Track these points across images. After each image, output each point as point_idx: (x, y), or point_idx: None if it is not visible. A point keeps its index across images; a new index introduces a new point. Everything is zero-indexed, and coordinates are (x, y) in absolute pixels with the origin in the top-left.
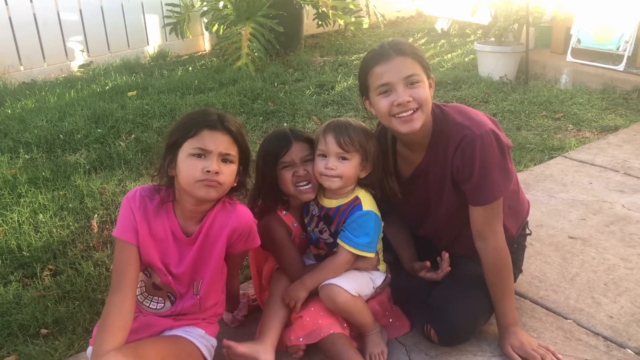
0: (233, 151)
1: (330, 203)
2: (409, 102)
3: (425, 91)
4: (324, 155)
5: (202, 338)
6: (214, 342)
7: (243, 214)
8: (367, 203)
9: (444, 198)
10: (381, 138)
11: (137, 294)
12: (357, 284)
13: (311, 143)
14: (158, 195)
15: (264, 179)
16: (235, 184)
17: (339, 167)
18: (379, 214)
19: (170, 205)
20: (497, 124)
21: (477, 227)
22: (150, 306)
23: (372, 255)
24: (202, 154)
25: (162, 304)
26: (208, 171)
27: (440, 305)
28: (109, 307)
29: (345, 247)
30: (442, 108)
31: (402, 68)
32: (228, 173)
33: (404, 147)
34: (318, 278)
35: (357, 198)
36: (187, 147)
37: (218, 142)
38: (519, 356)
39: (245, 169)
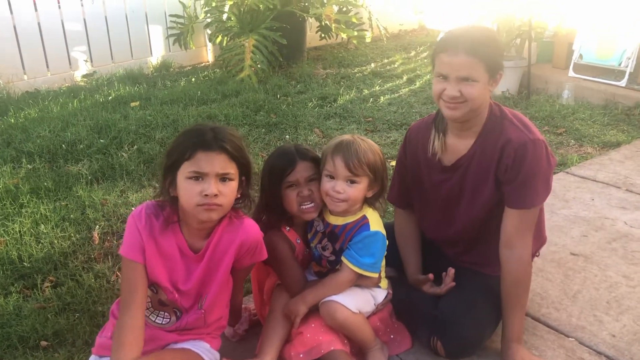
0: (231, 169)
1: (336, 220)
2: (456, 97)
3: (476, 90)
4: (332, 177)
5: (208, 352)
6: (218, 356)
7: (251, 228)
8: (375, 223)
9: (479, 194)
10: (436, 120)
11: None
12: (358, 300)
13: (316, 162)
14: (162, 213)
15: (268, 197)
16: (238, 195)
17: (347, 191)
18: (384, 233)
19: (176, 223)
20: None
21: (507, 234)
22: (156, 321)
23: (375, 275)
24: (199, 176)
25: (168, 319)
26: (206, 195)
27: (448, 317)
28: (122, 325)
29: (350, 265)
30: (502, 108)
31: (462, 67)
32: (228, 192)
33: (453, 134)
34: (319, 294)
35: (364, 217)
36: (184, 170)
37: (214, 163)
38: None
39: (248, 179)
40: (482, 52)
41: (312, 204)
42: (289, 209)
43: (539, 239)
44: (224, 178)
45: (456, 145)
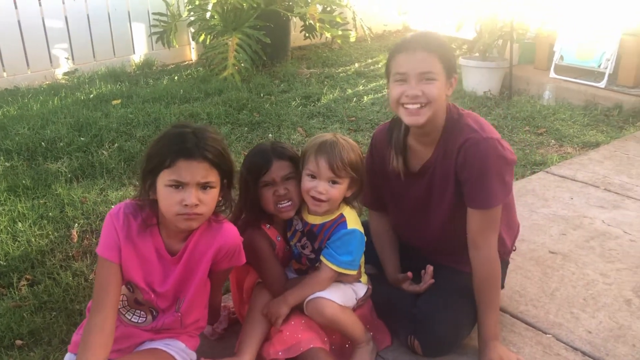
0: (213, 177)
1: (314, 219)
2: (418, 96)
3: (437, 89)
4: (314, 177)
5: (182, 352)
6: (194, 356)
7: (229, 232)
8: (352, 221)
9: (446, 197)
10: (395, 128)
11: (119, 307)
12: (341, 295)
13: (293, 161)
14: (141, 214)
15: (246, 195)
16: (220, 199)
17: (329, 191)
18: (362, 230)
19: (155, 225)
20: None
21: (472, 234)
22: (132, 319)
23: (354, 272)
24: (179, 185)
25: (144, 318)
26: (186, 205)
27: (425, 315)
28: (91, 326)
29: (329, 264)
30: (460, 111)
31: (421, 63)
32: (209, 200)
33: (415, 140)
34: (300, 294)
35: (342, 216)
36: (164, 178)
37: (195, 172)
38: None
39: (230, 183)
40: (438, 49)
41: (289, 203)
42: (266, 207)
43: (511, 230)
44: (205, 186)
45: (420, 152)
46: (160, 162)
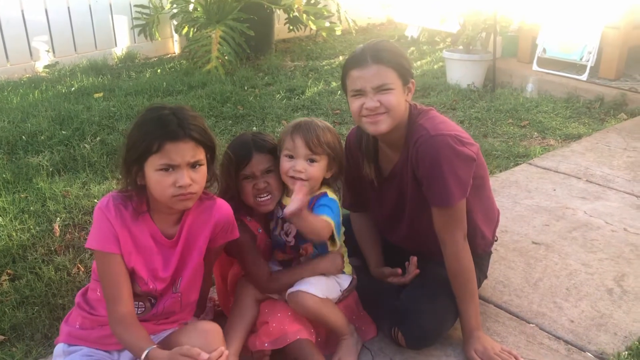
0: (200, 154)
1: None
2: (377, 107)
3: (395, 98)
4: (291, 157)
5: None
6: None
7: (223, 207)
8: (332, 194)
9: (414, 197)
10: (363, 134)
11: None
12: (323, 287)
13: (274, 153)
14: (130, 203)
15: (227, 187)
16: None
17: (307, 169)
18: (340, 209)
19: (146, 212)
20: (466, 136)
21: (437, 232)
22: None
23: (337, 245)
24: (169, 167)
25: (143, 308)
26: (180, 186)
27: (408, 307)
28: (121, 318)
29: (324, 217)
30: (420, 111)
31: (374, 77)
32: (200, 178)
33: (384, 144)
34: (300, 274)
35: (324, 193)
36: (153, 163)
37: (184, 152)
38: None
39: (213, 157)
40: (389, 59)
41: (269, 197)
42: (246, 200)
43: (490, 221)
44: (194, 165)
45: (390, 155)
46: (147, 148)
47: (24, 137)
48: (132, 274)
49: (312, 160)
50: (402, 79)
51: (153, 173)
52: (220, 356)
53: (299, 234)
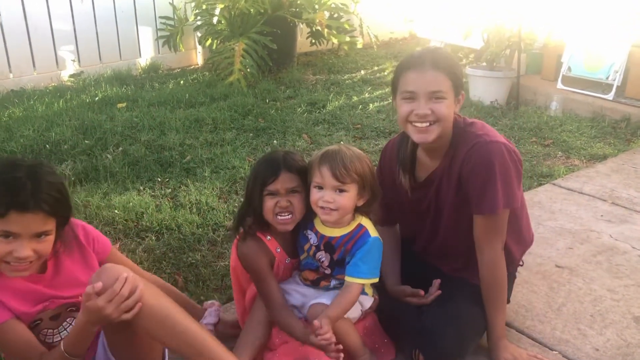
0: (50, 225)
1: (332, 232)
2: (427, 115)
3: (446, 108)
4: (320, 187)
5: None
6: None
7: (77, 223)
8: (373, 229)
9: (451, 206)
10: (403, 141)
11: (48, 341)
12: None
13: (302, 174)
14: None
15: (250, 202)
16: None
17: (336, 200)
18: (380, 238)
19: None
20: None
21: (476, 239)
22: (67, 329)
23: (376, 280)
24: (10, 235)
25: (74, 320)
26: (17, 257)
27: (430, 329)
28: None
29: (355, 280)
30: (467, 121)
31: (430, 82)
32: (44, 248)
33: (423, 153)
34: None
35: (361, 226)
36: None
37: (30, 224)
38: None
39: (66, 222)
40: (447, 67)
41: (289, 216)
42: (266, 216)
43: (521, 244)
44: (40, 234)
45: (428, 163)
46: None
47: (47, 145)
48: (33, 313)
49: (341, 190)
50: (455, 89)
51: None
52: (124, 282)
53: (337, 261)
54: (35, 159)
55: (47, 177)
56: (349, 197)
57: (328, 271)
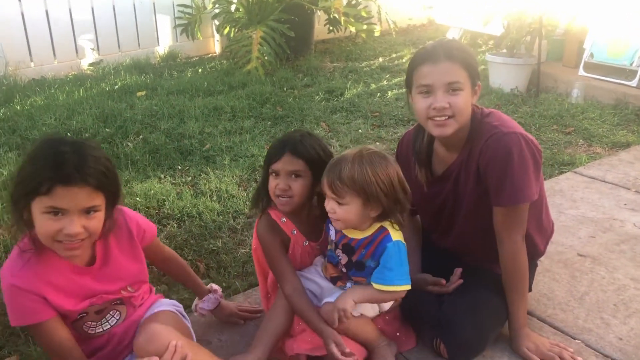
0: (98, 199)
1: (351, 233)
2: (445, 108)
3: (464, 100)
4: (326, 195)
5: (174, 305)
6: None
7: (129, 212)
8: (395, 232)
9: (470, 198)
10: (418, 135)
11: (90, 332)
12: (360, 305)
13: (309, 161)
14: (26, 255)
15: (263, 179)
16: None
17: (337, 211)
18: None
19: (48, 250)
20: (533, 139)
21: (496, 230)
22: (110, 322)
23: (408, 287)
24: (59, 212)
25: (118, 314)
26: (67, 234)
27: (451, 318)
28: None
29: (382, 287)
30: (484, 112)
31: (446, 73)
32: (94, 225)
33: (440, 145)
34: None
35: (382, 229)
36: (40, 204)
37: (77, 198)
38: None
39: (115, 203)
40: (462, 58)
41: (287, 199)
42: (270, 195)
43: (543, 233)
44: (89, 210)
45: (445, 156)
46: (35, 188)
47: (69, 134)
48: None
49: (339, 203)
50: (472, 80)
51: (39, 215)
52: (173, 352)
53: (355, 263)
54: (81, 139)
55: (92, 152)
56: (348, 211)
57: (345, 270)
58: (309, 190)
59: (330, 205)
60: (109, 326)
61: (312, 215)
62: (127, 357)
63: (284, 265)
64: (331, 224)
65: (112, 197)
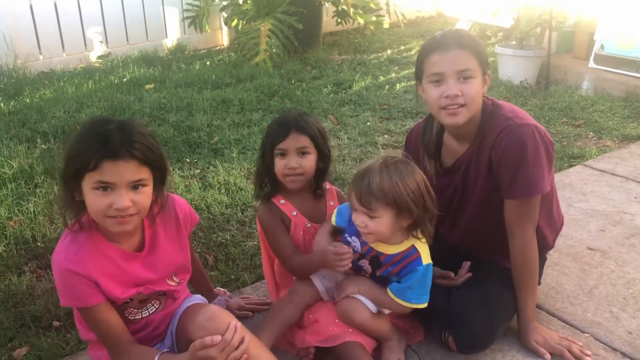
0: (145, 174)
1: (382, 247)
2: (457, 96)
3: (475, 87)
4: (355, 209)
5: (203, 300)
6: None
7: (178, 200)
8: (426, 255)
9: (480, 190)
10: (428, 126)
11: (132, 317)
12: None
13: (313, 137)
14: (79, 236)
15: (263, 162)
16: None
17: (368, 225)
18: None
19: (98, 236)
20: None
21: (507, 223)
22: (150, 310)
23: (425, 305)
24: (107, 187)
25: (158, 304)
26: (117, 208)
27: (459, 311)
28: (127, 350)
29: (399, 301)
30: (496, 103)
31: (457, 61)
32: (142, 200)
33: (450, 137)
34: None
35: (414, 249)
36: (90, 180)
37: (124, 172)
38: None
39: (163, 180)
40: (471, 46)
41: (297, 176)
42: (278, 176)
43: (553, 226)
44: (136, 185)
45: (455, 147)
46: (83, 165)
47: (78, 126)
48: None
49: (370, 216)
50: (482, 68)
51: (90, 192)
52: (234, 331)
53: (379, 277)
54: (128, 118)
55: (138, 129)
56: (381, 223)
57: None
58: (315, 167)
59: (360, 219)
60: (147, 314)
61: (309, 196)
62: (158, 344)
63: (286, 244)
64: (355, 237)
65: (159, 174)
